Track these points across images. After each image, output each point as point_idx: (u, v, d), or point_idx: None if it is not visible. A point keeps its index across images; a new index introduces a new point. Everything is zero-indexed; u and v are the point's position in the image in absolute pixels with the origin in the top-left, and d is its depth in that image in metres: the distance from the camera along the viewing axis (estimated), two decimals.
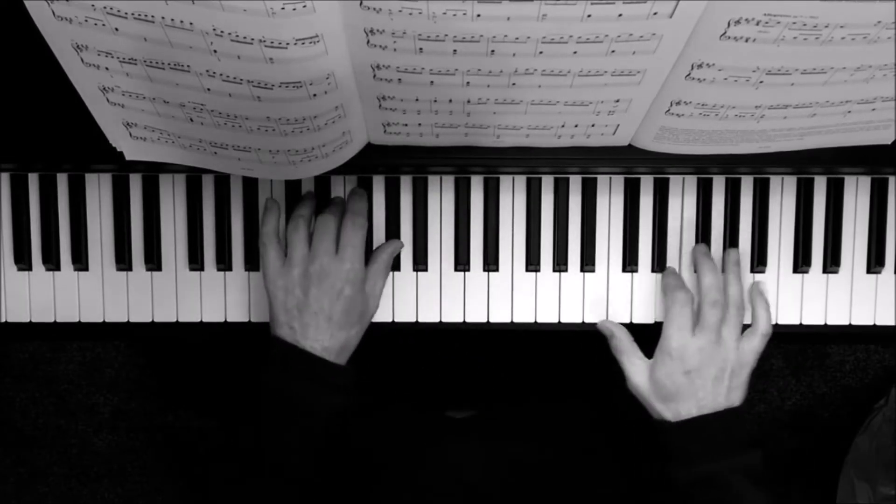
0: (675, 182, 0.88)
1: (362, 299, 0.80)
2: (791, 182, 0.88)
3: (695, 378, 0.80)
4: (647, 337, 0.87)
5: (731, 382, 0.80)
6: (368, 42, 0.63)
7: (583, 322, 0.88)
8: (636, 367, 0.83)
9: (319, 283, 0.78)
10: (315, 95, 0.67)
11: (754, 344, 0.82)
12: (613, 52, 0.64)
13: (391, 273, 0.87)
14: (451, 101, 0.71)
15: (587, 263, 0.88)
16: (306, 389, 0.77)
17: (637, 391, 0.83)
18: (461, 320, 0.88)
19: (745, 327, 0.84)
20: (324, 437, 0.77)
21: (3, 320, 0.88)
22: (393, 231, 0.87)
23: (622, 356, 0.84)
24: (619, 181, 0.88)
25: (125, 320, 0.88)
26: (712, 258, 0.86)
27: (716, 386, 0.80)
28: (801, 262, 0.88)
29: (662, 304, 0.86)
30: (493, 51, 0.64)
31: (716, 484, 0.77)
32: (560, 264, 0.88)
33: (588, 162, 0.82)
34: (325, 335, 0.78)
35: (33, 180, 0.88)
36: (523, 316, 0.88)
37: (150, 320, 0.88)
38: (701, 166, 0.85)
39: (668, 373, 0.80)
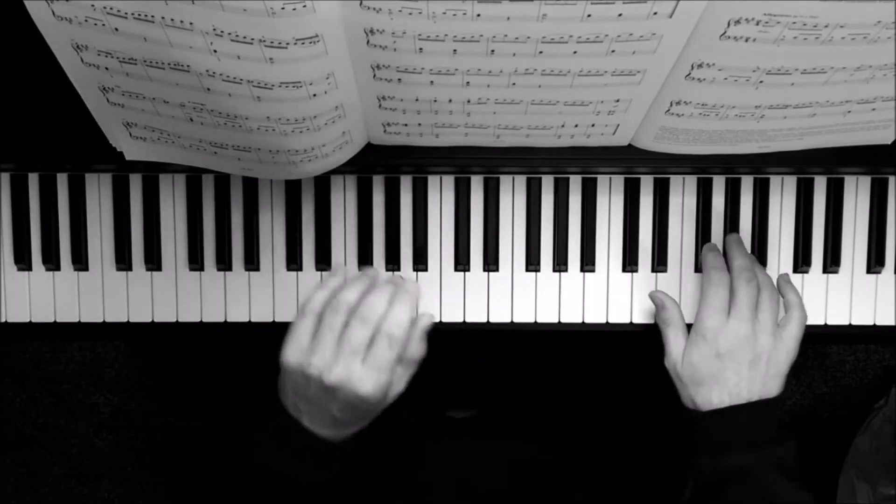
0: (675, 182, 0.88)
1: (376, 405, 0.72)
2: (791, 182, 0.88)
3: (728, 362, 0.77)
4: (647, 338, 0.87)
5: (769, 370, 0.78)
6: (368, 42, 0.63)
7: (583, 322, 0.88)
8: (678, 345, 0.80)
9: (333, 394, 0.70)
10: (315, 95, 0.67)
11: (792, 330, 0.80)
12: (613, 52, 0.64)
13: (392, 273, 0.88)
14: (451, 101, 0.71)
15: (587, 263, 0.88)
16: (297, 468, 0.72)
17: (672, 369, 0.80)
18: (461, 320, 0.88)
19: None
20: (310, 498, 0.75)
21: (3, 320, 0.88)
22: (393, 231, 0.87)
23: (669, 328, 0.81)
24: (619, 181, 0.88)
25: (125, 320, 0.88)
26: (744, 245, 0.84)
27: (752, 372, 0.77)
28: (801, 262, 0.88)
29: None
30: (493, 51, 0.64)
31: (744, 478, 0.75)
32: (560, 264, 0.88)
33: (588, 162, 0.82)
34: (329, 430, 0.72)
35: (33, 180, 0.88)
36: (523, 316, 0.88)
37: (150, 320, 0.88)
38: (701, 166, 0.85)
39: (701, 355, 0.78)
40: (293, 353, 0.71)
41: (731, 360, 0.77)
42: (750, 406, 0.77)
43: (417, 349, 0.73)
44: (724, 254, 0.85)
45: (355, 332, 0.69)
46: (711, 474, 0.77)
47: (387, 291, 0.72)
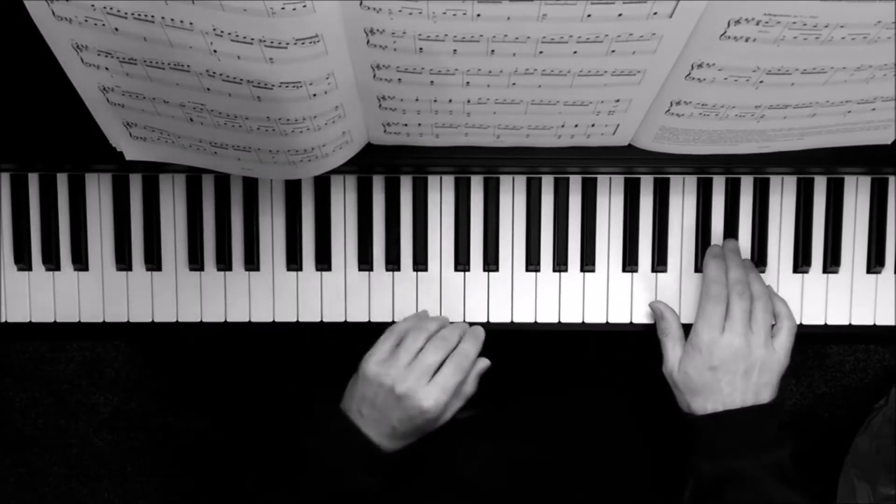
0: (675, 182, 0.88)
1: (433, 420, 0.81)
2: (791, 182, 0.88)
3: (721, 374, 0.79)
4: (642, 339, 0.87)
5: (760, 380, 0.80)
6: (368, 42, 0.63)
7: (583, 322, 0.88)
8: (675, 354, 0.83)
9: (399, 402, 0.79)
10: (315, 95, 0.67)
11: (783, 340, 0.82)
12: (613, 52, 0.64)
13: (391, 273, 0.88)
14: (451, 101, 0.71)
15: (587, 263, 0.88)
16: (352, 472, 0.79)
17: (669, 377, 0.83)
18: (461, 320, 0.88)
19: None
20: None
21: (3, 320, 0.88)
22: (393, 231, 0.87)
23: (667, 338, 0.84)
24: (619, 181, 0.88)
25: (125, 320, 0.88)
26: (740, 254, 0.86)
27: (745, 382, 0.80)
28: (801, 262, 0.88)
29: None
30: (493, 51, 0.64)
31: (741, 480, 0.77)
32: (560, 264, 0.88)
33: (588, 162, 0.82)
34: (384, 438, 0.80)
35: (33, 180, 0.88)
36: (523, 316, 0.88)
37: (150, 320, 0.88)
38: (701, 166, 0.85)
39: (696, 366, 0.80)
40: (374, 363, 0.81)
41: (725, 372, 0.80)
42: (744, 411, 0.79)
43: (472, 386, 0.83)
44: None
45: (429, 355, 0.81)
46: (710, 476, 0.78)
47: (459, 329, 0.84)
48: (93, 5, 0.61)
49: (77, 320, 0.88)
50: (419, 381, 0.79)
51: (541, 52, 0.64)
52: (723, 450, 0.78)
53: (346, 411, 0.81)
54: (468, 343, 0.83)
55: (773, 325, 0.83)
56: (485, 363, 0.85)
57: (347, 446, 0.79)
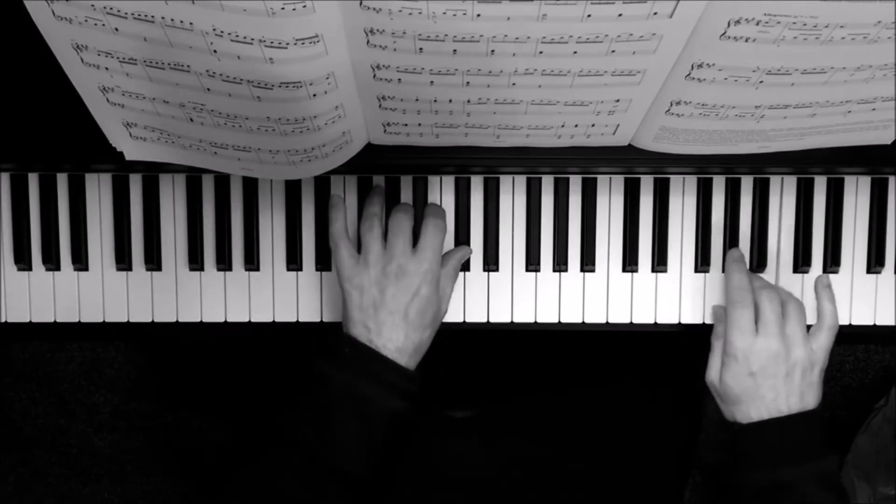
0: (675, 182, 0.88)
1: (437, 300, 0.80)
2: (791, 182, 0.88)
3: (762, 379, 0.78)
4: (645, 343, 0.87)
5: (804, 381, 0.79)
6: (368, 42, 0.63)
7: (583, 322, 0.88)
8: (719, 362, 0.81)
9: (397, 281, 0.77)
10: (315, 95, 0.67)
11: (822, 340, 0.80)
12: (613, 52, 0.64)
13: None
14: (451, 101, 0.71)
15: (587, 263, 0.88)
16: (375, 391, 0.76)
17: (711, 386, 0.82)
18: (461, 320, 0.88)
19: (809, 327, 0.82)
20: (381, 440, 0.76)
21: (3, 320, 0.88)
22: None
23: (717, 342, 0.82)
24: (619, 181, 0.88)
25: (125, 320, 0.88)
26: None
27: (787, 385, 0.78)
28: (801, 263, 0.88)
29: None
30: (493, 51, 0.64)
31: (786, 493, 0.76)
32: (560, 264, 0.88)
33: (588, 162, 0.82)
34: (400, 334, 0.77)
35: (33, 180, 0.88)
36: (523, 316, 0.88)
37: (150, 320, 0.88)
38: (701, 166, 0.85)
39: (734, 375, 0.79)
40: (348, 269, 0.79)
41: (766, 376, 0.78)
42: (790, 419, 0.78)
43: (456, 270, 0.83)
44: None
45: (397, 240, 0.78)
46: (756, 487, 0.77)
47: (403, 205, 0.81)
48: (93, 5, 0.61)
49: (77, 320, 0.88)
50: (405, 255, 0.78)
51: (541, 52, 0.64)
52: (771, 460, 0.77)
53: (355, 336, 0.77)
54: (432, 208, 0.83)
55: (809, 325, 0.82)
56: (467, 251, 0.85)
57: (367, 367, 0.76)
